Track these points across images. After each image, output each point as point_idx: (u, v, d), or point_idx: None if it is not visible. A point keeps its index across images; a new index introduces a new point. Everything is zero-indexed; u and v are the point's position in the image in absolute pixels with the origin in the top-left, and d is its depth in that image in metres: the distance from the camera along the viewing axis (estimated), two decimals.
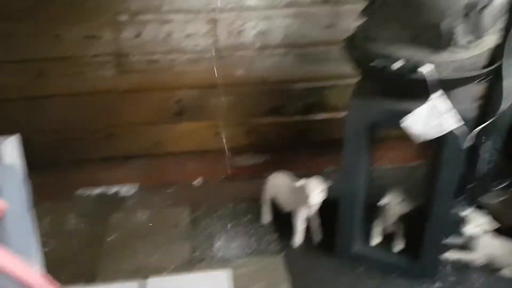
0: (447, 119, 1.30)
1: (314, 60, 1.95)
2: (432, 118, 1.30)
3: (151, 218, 1.99)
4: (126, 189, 2.16)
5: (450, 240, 1.77)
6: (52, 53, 1.81)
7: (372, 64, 1.31)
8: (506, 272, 1.67)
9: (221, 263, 1.75)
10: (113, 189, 2.15)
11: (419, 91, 1.34)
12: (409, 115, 1.31)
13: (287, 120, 2.08)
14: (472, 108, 1.40)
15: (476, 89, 1.82)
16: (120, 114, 1.98)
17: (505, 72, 1.52)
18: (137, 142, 2.07)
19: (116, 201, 2.09)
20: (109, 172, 2.13)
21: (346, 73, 1.92)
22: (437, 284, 1.64)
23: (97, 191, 2.14)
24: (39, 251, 1.00)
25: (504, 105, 1.57)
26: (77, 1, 1.73)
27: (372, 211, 1.77)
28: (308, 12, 1.86)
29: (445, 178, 1.46)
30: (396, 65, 1.28)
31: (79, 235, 1.90)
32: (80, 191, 2.13)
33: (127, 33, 1.81)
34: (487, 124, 1.61)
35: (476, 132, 1.46)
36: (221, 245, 1.84)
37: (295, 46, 1.91)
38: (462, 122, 1.31)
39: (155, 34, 1.83)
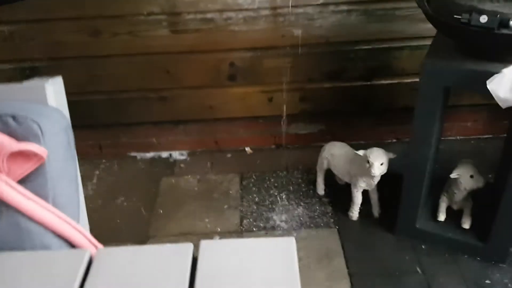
0: None
1: (381, 18, 1.77)
2: None
3: (201, 184, 1.95)
4: (178, 154, 2.12)
5: None
6: (107, 10, 1.76)
7: (455, 16, 1.15)
8: None
9: (271, 232, 1.69)
10: (165, 153, 2.13)
11: (506, 50, 1.18)
12: (495, 75, 1.14)
13: (347, 86, 1.94)
14: None
15: None
16: (172, 76, 1.92)
17: None
18: (189, 106, 2.01)
19: (167, 165, 2.07)
20: (161, 135, 2.10)
21: (416, 32, 1.77)
22: (506, 268, 1.50)
23: (149, 154, 2.12)
24: (83, 205, 0.95)
25: None
26: None
27: (439, 185, 1.63)
28: None
29: None
30: (483, 19, 1.11)
31: (130, 197, 1.89)
32: (132, 153, 2.12)
33: None
34: None
35: None
36: (271, 215, 1.77)
37: (361, 2, 1.75)
38: None
39: None
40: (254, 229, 1.72)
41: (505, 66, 1.15)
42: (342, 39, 1.82)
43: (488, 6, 1.13)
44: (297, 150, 2.10)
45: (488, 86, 1.16)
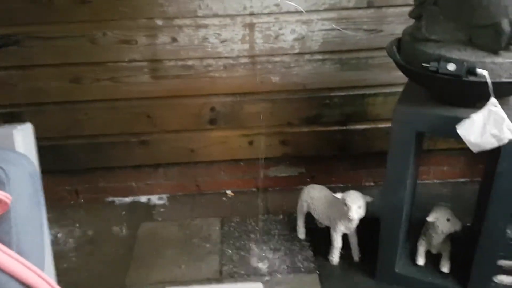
0: (506, 128, 1.17)
1: (355, 66, 1.85)
2: (490, 125, 1.18)
3: (181, 229, 1.92)
4: (157, 198, 2.11)
5: (503, 262, 1.63)
6: (88, 57, 1.79)
7: (424, 65, 1.21)
8: None
9: (252, 278, 1.66)
10: (144, 198, 2.11)
11: (475, 96, 1.23)
12: (465, 120, 1.19)
13: (325, 130, 1.98)
14: None
15: None
16: (153, 120, 1.94)
17: None
18: (169, 150, 2.02)
19: (147, 210, 2.05)
20: (140, 180, 2.09)
21: (389, 80, 1.84)
22: None
23: (128, 199, 2.10)
24: (49, 252, 0.92)
25: None
26: (113, 5, 1.71)
27: (417, 229, 1.65)
28: (350, 16, 1.77)
29: (500, 192, 1.32)
30: (451, 67, 1.17)
31: (107, 244, 1.86)
32: (111, 198, 2.10)
33: (163, 38, 1.78)
34: None
35: None
36: (252, 260, 1.75)
37: (335, 52, 1.82)
38: None
39: (191, 39, 1.78)
40: (234, 275, 1.69)
41: (474, 112, 1.20)
42: (318, 86, 1.88)
43: (455, 55, 1.19)
44: (278, 193, 2.10)
45: (458, 131, 1.20)
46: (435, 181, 2.11)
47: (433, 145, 1.99)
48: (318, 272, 1.68)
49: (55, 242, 1.86)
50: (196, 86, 1.87)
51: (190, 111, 1.93)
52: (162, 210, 2.04)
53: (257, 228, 1.90)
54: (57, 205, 2.05)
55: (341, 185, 2.05)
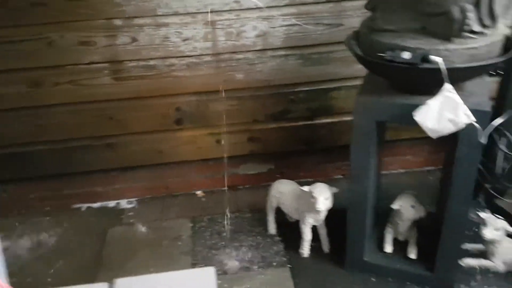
0: (462, 113, 1.21)
1: (317, 62, 1.87)
2: (446, 111, 1.21)
3: (152, 231, 1.90)
4: (126, 202, 2.07)
5: (468, 246, 1.68)
6: (46, 61, 1.75)
7: (380, 55, 1.23)
8: None
9: (225, 276, 1.66)
10: (112, 202, 2.07)
11: (430, 83, 1.26)
12: (421, 107, 1.22)
13: (291, 126, 2.00)
14: (488, 102, 1.31)
15: (491, 82, 1.74)
16: (118, 123, 1.91)
17: None
18: (136, 152, 1.99)
19: (115, 214, 2.01)
20: (108, 184, 2.06)
21: (352, 73, 1.87)
22: None
23: (96, 204, 2.06)
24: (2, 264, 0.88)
25: None
26: (69, 7, 1.67)
27: (384, 218, 1.68)
28: (310, 11, 1.79)
29: (460, 177, 1.36)
30: (406, 55, 1.20)
31: (75, 251, 1.81)
32: (78, 205, 2.05)
33: (123, 38, 1.75)
34: (504, 120, 1.52)
35: (492, 128, 1.36)
36: (224, 258, 1.74)
37: (297, 47, 1.84)
38: (476, 117, 1.22)
39: (151, 38, 1.77)
40: None
41: (431, 98, 1.23)
42: (282, 82, 1.90)
43: (410, 43, 1.22)
44: (248, 190, 2.10)
45: (415, 118, 1.23)
46: (400, 170, 2.15)
47: (396, 136, 2.03)
48: (290, 266, 1.69)
49: (22, 251, 1.81)
50: (160, 87, 1.85)
51: (155, 112, 1.91)
52: (131, 214, 2.01)
53: (228, 226, 1.90)
54: (23, 214, 2.00)
55: (310, 179, 2.06)
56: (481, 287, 1.56)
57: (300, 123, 2.00)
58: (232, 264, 1.71)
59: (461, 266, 1.60)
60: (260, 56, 1.84)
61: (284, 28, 1.81)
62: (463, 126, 1.21)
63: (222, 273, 1.67)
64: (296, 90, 1.92)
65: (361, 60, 1.36)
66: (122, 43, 1.76)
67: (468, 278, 1.59)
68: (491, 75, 1.43)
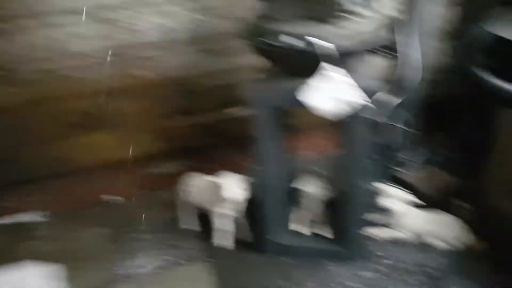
0: (353, 93, 1.26)
1: (221, 54, 1.87)
2: (334, 91, 1.26)
3: (66, 244, 1.79)
4: (34, 217, 1.95)
5: (375, 218, 1.76)
6: None
7: (267, 41, 1.25)
8: (430, 243, 1.66)
9: (146, 278, 1.62)
10: (20, 217, 1.94)
11: (317, 65, 1.29)
12: (305, 87, 1.26)
13: (201, 120, 1.99)
14: (377, 81, 1.37)
15: (380, 63, 1.83)
16: (17, 132, 1.79)
17: (407, 48, 1.53)
18: (40, 162, 1.88)
19: (25, 231, 1.88)
20: (13, 199, 1.92)
21: (257, 64, 1.88)
22: (365, 264, 1.60)
23: (2, 220, 1.93)
24: None
25: (410, 80, 1.55)
26: None
27: (296, 201, 1.72)
28: (208, 5, 1.78)
29: (358, 154, 1.42)
30: (291, 40, 1.22)
31: None
32: None
33: (9, 42, 1.64)
34: (397, 98, 1.61)
35: (390, 107, 1.44)
36: (141, 262, 1.70)
37: (199, 41, 1.83)
38: (364, 95, 1.28)
39: (44, 40, 1.67)
40: (128, 278, 1.63)
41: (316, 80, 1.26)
42: (187, 76, 1.88)
43: (292, 28, 1.25)
44: (164, 190, 2.05)
45: (299, 98, 1.26)
46: (313, 155, 2.20)
47: (308, 121, 2.07)
48: (209, 259, 1.69)
49: None
50: (57, 90, 1.76)
51: (55, 117, 1.81)
52: (40, 227, 1.89)
53: (143, 229, 1.85)
54: None
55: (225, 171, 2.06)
56: (390, 257, 1.64)
57: (210, 116, 1.99)
58: (150, 265, 1.68)
59: (370, 239, 1.69)
60: (162, 51, 1.81)
61: (184, 22, 1.79)
62: (356, 105, 1.27)
63: (143, 275, 1.64)
64: (202, 83, 1.92)
65: (252, 48, 1.37)
66: (10, 47, 1.65)
67: (377, 250, 1.67)
68: (382, 55, 1.49)
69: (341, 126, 1.40)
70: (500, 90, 1.35)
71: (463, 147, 2.02)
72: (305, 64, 1.30)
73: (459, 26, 1.95)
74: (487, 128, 1.65)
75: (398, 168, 1.82)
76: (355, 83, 1.27)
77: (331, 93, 1.25)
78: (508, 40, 1.39)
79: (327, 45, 1.22)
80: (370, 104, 1.27)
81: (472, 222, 1.69)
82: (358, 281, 1.55)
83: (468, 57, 1.49)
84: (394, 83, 1.78)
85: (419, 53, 1.67)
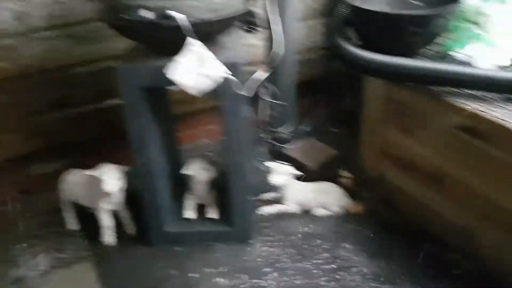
0: (215, 67, 1.23)
1: (91, 39, 1.75)
2: (200, 66, 1.23)
3: None
4: None
5: (265, 195, 1.78)
6: None
7: (123, 16, 1.18)
8: (318, 213, 1.71)
9: (32, 282, 1.50)
10: None
11: (182, 40, 1.25)
12: (171, 64, 1.21)
13: (78, 112, 1.85)
14: (242, 55, 1.36)
15: (248, 38, 1.84)
16: None
17: (274, 25, 1.54)
18: None
19: None
20: None
21: (128, 47, 1.79)
22: (256, 241, 1.61)
23: None
24: None
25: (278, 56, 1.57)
26: None
27: (183, 186, 1.67)
28: None
29: (232, 130, 1.41)
30: (148, 14, 1.17)
31: None
32: None
33: None
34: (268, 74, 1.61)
35: (259, 82, 1.44)
36: (22, 271, 1.55)
37: (64, 26, 1.69)
38: (230, 70, 1.26)
39: None
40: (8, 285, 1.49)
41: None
42: (56, 65, 1.73)
43: (150, 3, 1.19)
44: (44, 191, 1.90)
45: (168, 76, 1.22)
46: (205, 140, 2.18)
47: (192, 107, 2.04)
48: (94, 258, 1.58)
49: None
50: None
51: None
52: None
53: (23, 236, 1.69)
54: None
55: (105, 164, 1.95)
56: (279, 231, 1.66)
57: (88, 107, 1.87)
58: (32, 273, 1.54)
59: (258, 215, 1.70)
60: (22, 39, 1.65)
61: (43, 6, 1.64)
62: (220, 80, 1.25)
63: (26, 278, 1.51)
64: (74, 72, 1.78)
65: (114, 27, 1.30)
66: None
67: (266, 226, 1.68)
68: (248, 31, 1.50)
69: (220, 106, 1.38)
70: (364, 60, 1.42)
71: (342, 119, 2.12)
72: (169, 39, 1.26)
73: (329, 3, 2.03)
74: (359, 99, 1.73)
75: (279, 143, 1.85)
76: (218, 57, 1.24)
77: (194, 68, 1.22)
78: (369, 11, 1.46)
79: (182, 17, 1.17)
80: (231, 77, 1.25)
81: (353, 189, 1.78)
82: (250, 259, 1.55)
83: (336, 32, 1.55)
84: (263, 58, 1.79)
85: (287, 30, 1.71)
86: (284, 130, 1.73)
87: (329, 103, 2.05)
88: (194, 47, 1.20)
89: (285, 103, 1.74)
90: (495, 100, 1.30)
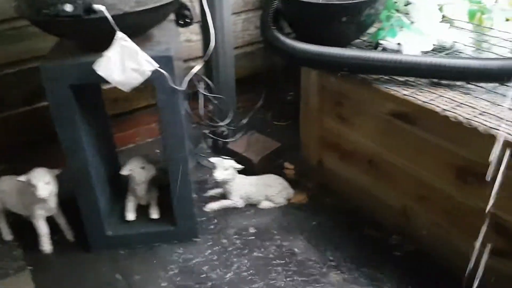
0: (143, 60, 1.20)
1: (16, 38, 1.66)
2: (128, 60, 1.18)
3: None
4: None
5: (211, 192, 1.76)
6: None
7: (44, 11, 1.13)
8: (262, 206, 1.72)
9: None
10: None
11: (106, 35, 1.20)
12: (99, 59, 1.17)
13: (9, 115, 1.76)
14: (174, 48, 1.33)
15: (183, 32, 1.82)
16: None
17: (209, 18, 1.52)
18: None
19: None
20: None
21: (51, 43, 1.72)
22: (202, 239, 1.59)
23: None
24: None
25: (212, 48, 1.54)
26: None
27: (123, 187, 1.62)
28: None
29: (169, 126, 1.37)
30: (69, 8, 1.12)
31: None
32: None
33: None
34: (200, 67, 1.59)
35: (191, 75, 1.41)
36: None
37: None
38: (161, 63, 1.23)
39: None
40: None
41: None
42: None
43: None
44: None
45: (98, 72, 1.17)
46: (148, 140, 2.13)
47: (131, 106, 1.99)
48: (30, 268, 1.51)
49: None
50: None
51: None
52: None
53: None
54: None
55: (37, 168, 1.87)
56: (225, 226, 1.65)
57: (19, 110, 1.77)
58: None
59: (202, 212, 1.68)
60: None
61: None
62: (149, 74, 1.21)
63: None
64: (1, 74, 1.69)
65: (32, 22, 1.24)
66: None
67: (212, 221, 1.66)
68: (181, 24, 1.47)
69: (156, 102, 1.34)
70: (296, 50, 1.43)
71: (285, 112, 2.14)
72: (94, 33, 1.21)
73: None
74: (297, 90, 1.75)
75: (220, 138, 1.84)
76: (148, 51, 1.21)
77: (123, 63, 1.18)
78: (300, 1, 1.47)
79: (105, 10, 1.12)
80: (161, 70, 1.22)
81: (297, 180, 1.80)
82: (196, 257, 1.53)
83: (270, 24, 1.55)
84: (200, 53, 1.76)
85: (223, 23, 1.70)
86: (225, 125, 1.72)
87: (271, 96, 2.05)
88: (123, 41, 1.16)
89: (223, 97, 1.72)
90: (422, 85, 1.35)
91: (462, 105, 1.21)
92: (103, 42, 1.18)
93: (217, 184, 1.71)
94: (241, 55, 2.12)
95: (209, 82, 1.61)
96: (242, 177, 1.72)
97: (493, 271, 1.24)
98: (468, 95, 1.26)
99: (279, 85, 2.10)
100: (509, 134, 1.08)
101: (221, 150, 1.87)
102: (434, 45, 1.46)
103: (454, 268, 1.32)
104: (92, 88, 1.55)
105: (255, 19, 2.12)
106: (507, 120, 1.13)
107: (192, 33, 1.89)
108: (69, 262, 1.53)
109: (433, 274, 1.40)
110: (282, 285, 1.41)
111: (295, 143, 1.87)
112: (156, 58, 1.22)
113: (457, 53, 1.48)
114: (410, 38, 1.47)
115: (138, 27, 1.26)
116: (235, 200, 1.71)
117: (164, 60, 1.25)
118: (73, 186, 1.43)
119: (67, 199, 1.51)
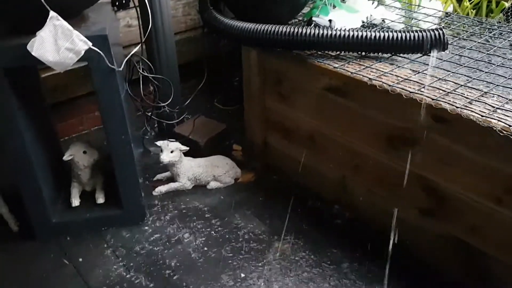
0: (77, 40, 1.20)
1: None
2: (62, 40, 1.18)
3: None
4: None
5: (159, 175, 1.77)
6: None
7: None
8: (210, 186, 1.75)
9: None
10: None
11: (37, 15, 1.18)
12: (33, 40, 1.16)
13: None
14: (108, 28, 1.32)
15: (123, 17, 1.82)
16: None
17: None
18: None
19: None
20: None
21: None
22: (150, 221, 1.60)
23: None
24: None
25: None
26: None
27: (66, 174, 1.61)
28: None
29: (107, 107, 1.37)
30: None
31: None
32: None
33: None
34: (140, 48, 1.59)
35: (128, 56, 1.42)
36: None
37: None
38: (96, 42, 1.23)
39: None
40: None
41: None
42: None
43: None
44: None
45: (32, 53, 1.16)
46: (93, 128, 2.10)
47: (73, 93, 1.96)
48: None
49: None
50: None
51: None
52: None
53: None
54: None
55: None
56: (174, 208, 1.67)
57: None
58: None
59: (150, 195, 1.69)
60: None
61: None
62: (82, 53, 1.21)
63: None
64: None
65: None
66: None
67: (160, 204, 1.68)
68: (118, 6, 1.47)
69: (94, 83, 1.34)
70: (234, 28, 1.46)
71: (232, 95, 2.17)
72: (24, 14, 1.20)
73: None
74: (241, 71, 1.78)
75: (166, 121, 1.85)
76: (83, 31, 1.21)
77: (57, 43, 1.17)
78: None
79: None
80: (95, 48, 1.22)
81: (243, 160, 1.85)
82: (145, 239, 1.54)
83: (207, 5, 1.58)
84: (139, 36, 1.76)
85: (161, 7, 1.71)
86: (169, 107, 1.73)
87: (217, 82, 2.08)
88: (55, 20, 1.16)
89: (164, 78, 1.74)
90: (352, 58, 1.42)
91: (387, 74, 1.28)
92: (36, 23, 1.18)
93: (165, 167, 1.73)
94: (185, 40, 2.13)
95: (149, 63, 1.62)
96: (189, 159, 1.74)
97: (421, 229, 1.33)
98: (393, 65, 1.34)
99: (225, 70, 2.12)
100: (431, 98, 1.16)
101: (167, 134, 1.88)
102: (363, 22, 1.53)
103: (387, 231, 1.40)
104: (29, 74, 1.53)
105: (196, 4, 2.14)
106: (428, 86, 1.21)
107: (132, 18, 1.88)
108: (14, 252, 1.51)
109: (369, 237, 1.48)
110: (232, 255, 1.45)
111: (243, 126, 1.90)
112: (90, 38, 1.22)
113: (385, 28, 1.56)
114: (342, 16, 1.54)
115: (71, 7, 1.26)
116: (183, 182, 1.73)
117: (99, 40, 1.25)
118: (14, 173, 1.41)
119: (9, 188, 1.49)
